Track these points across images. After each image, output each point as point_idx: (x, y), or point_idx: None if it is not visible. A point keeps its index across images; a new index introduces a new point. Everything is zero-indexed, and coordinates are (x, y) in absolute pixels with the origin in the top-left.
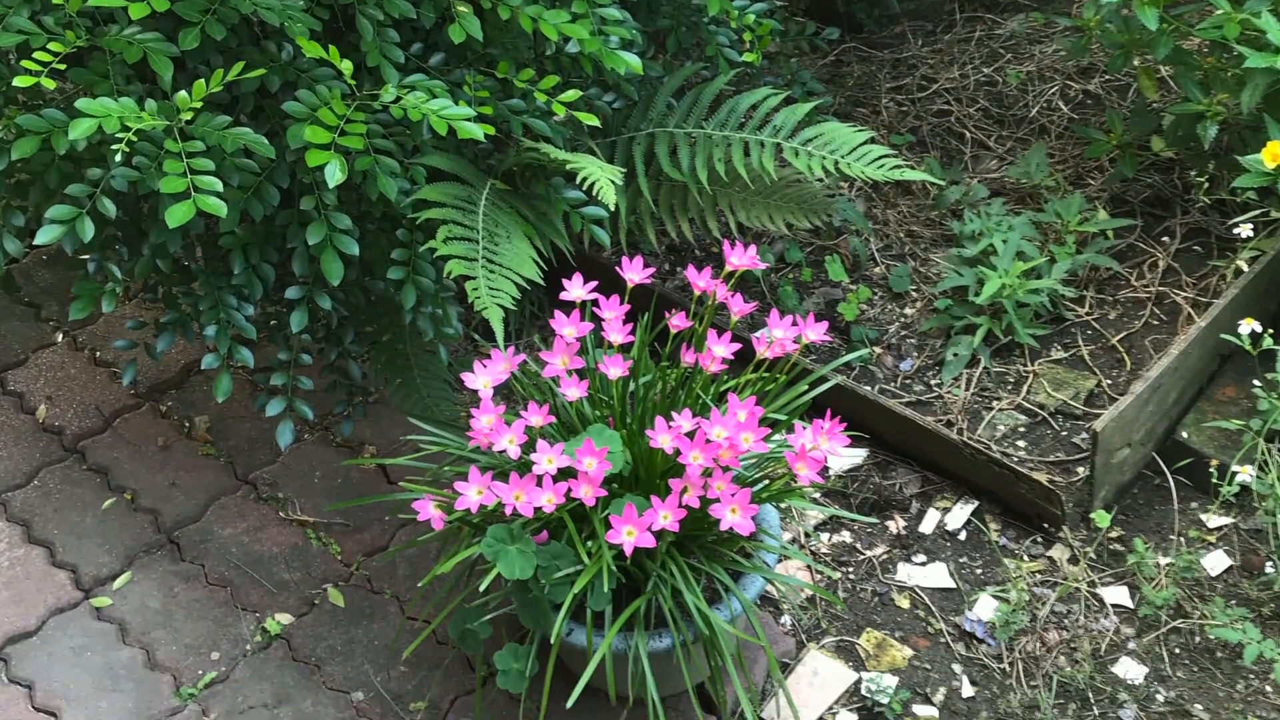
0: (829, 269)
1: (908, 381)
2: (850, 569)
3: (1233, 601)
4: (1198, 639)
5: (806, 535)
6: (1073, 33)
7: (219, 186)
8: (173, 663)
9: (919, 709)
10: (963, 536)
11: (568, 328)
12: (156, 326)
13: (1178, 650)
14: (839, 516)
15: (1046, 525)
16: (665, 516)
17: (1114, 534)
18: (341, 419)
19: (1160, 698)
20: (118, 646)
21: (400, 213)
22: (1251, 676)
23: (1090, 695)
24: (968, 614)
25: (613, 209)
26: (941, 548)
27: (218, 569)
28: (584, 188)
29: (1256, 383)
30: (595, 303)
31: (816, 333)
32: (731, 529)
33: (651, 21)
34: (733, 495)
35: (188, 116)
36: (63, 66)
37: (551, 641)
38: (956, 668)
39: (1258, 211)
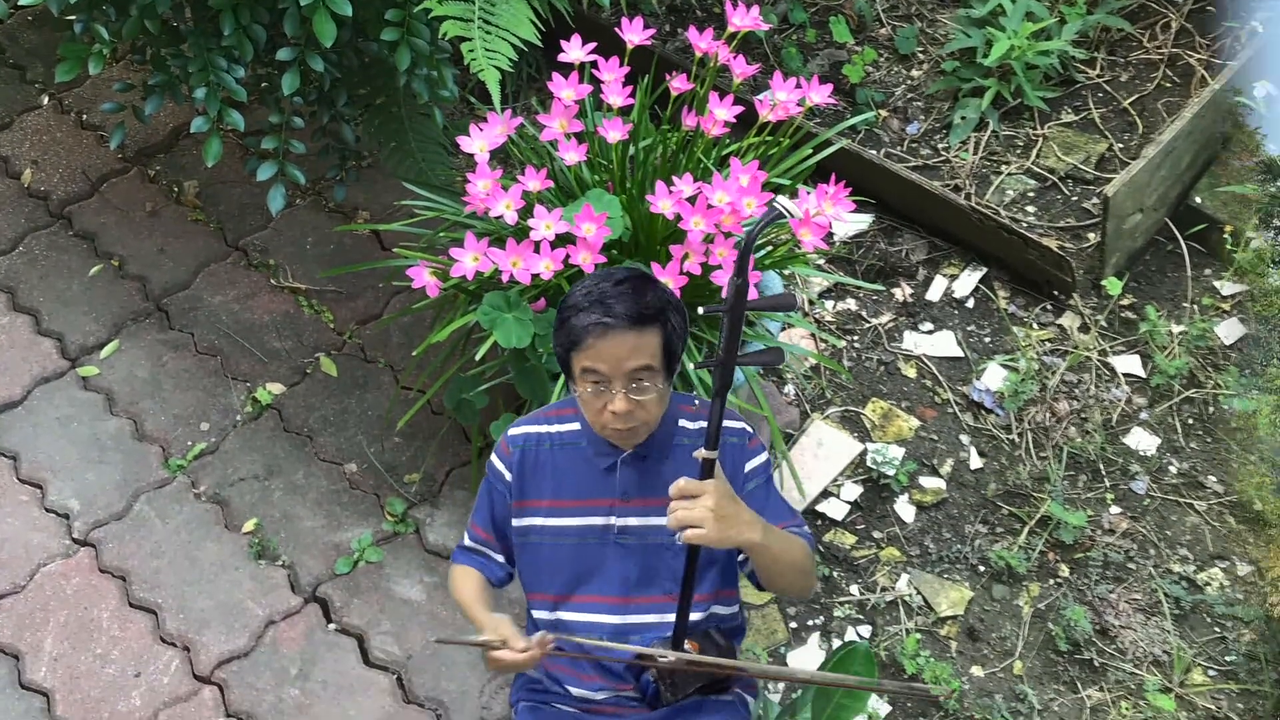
0: (834, 30)
1: (914, 145)
2: (855, 337)
3: (1247, 371)
4: (1211, 409)
5: (811, 303)
6: None
7: None
8: (161, 434)
9: (926, 480)
10: (971, 304)
11: (566, 90)
12: (144, 89)
13: (1191, 421)
14: (844, 283)
15: (1056, 293)
16: (666, 283)
17: (1125, 301)
18: (334, 184)
19: (1173, 469)
20: (105, 417)
21: None
22: (1265, 448)
23: (1101, 467)
24: (976, 383)
25: None
26: (949, 315)
27: (207, 338)
28: None
29: (1273, 146)
30: (594, 64)
31: (821, 95)
32: None
33: None
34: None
35: None
36: None
37: None
38: (964, 438)
39: None
